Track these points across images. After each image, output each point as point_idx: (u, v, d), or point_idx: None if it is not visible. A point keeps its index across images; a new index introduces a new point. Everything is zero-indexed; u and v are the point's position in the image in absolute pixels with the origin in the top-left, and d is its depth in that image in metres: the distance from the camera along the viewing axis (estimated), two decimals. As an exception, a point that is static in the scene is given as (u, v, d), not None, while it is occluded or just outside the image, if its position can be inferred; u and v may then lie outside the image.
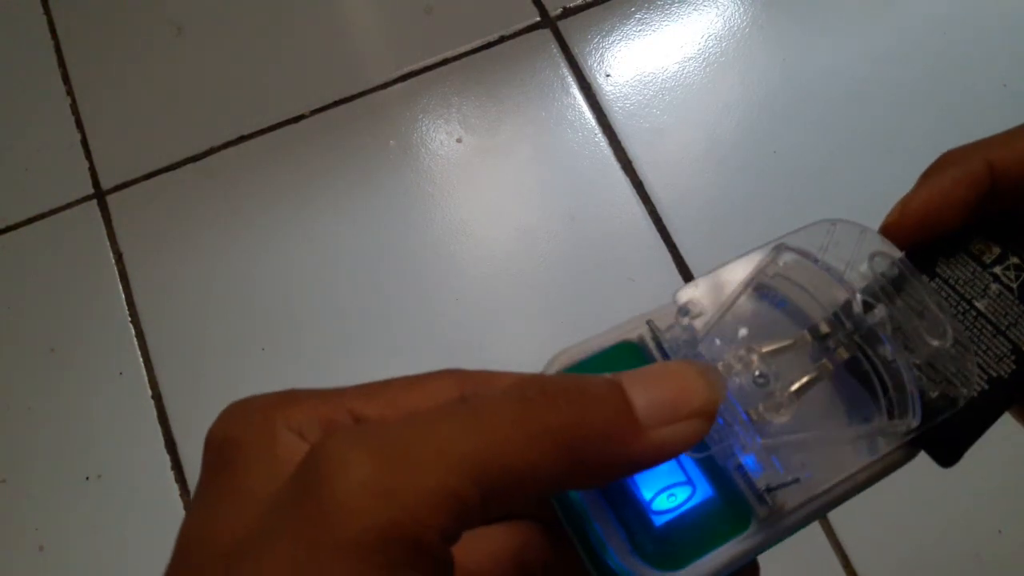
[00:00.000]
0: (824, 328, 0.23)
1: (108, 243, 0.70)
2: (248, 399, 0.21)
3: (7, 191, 0.72)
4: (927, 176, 0.25)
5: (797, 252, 0.23)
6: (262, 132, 0.73)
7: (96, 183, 0.72)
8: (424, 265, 0.68)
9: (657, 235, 0.67)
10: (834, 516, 0.59)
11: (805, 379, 0.22)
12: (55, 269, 0.70)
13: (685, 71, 0.73)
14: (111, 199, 0.72)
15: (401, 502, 0.16)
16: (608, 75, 0.73)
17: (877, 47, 0.73)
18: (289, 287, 0.68)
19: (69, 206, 0.72)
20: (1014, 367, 0.23)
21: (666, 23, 0.75)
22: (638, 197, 0.69)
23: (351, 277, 0.68)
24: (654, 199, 0.69)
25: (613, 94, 0.72)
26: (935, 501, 0.60)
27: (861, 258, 0.24)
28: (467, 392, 0.21)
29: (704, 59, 0.73)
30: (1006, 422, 0.23)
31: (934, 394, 0.22)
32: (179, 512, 0.61)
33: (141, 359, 0.66)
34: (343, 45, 0.77)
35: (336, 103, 0.74)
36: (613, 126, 0.71)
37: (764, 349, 0.22)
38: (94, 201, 0.72)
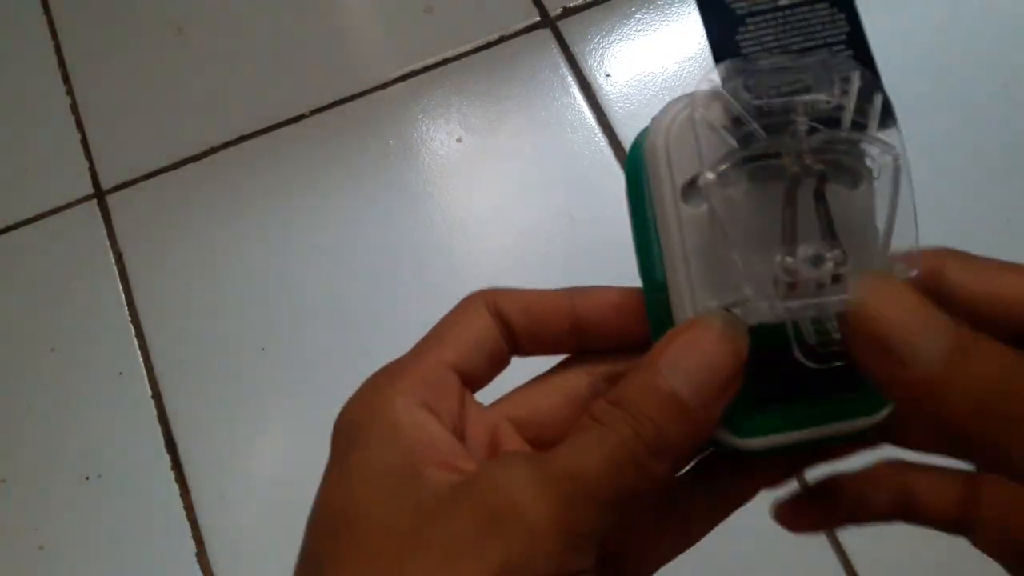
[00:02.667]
0: (775, 148, 0.22)
1: (108, 243, 0.70)
2: (363, 385, 0.24)
3: (7, 191, 0.72)
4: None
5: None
6: (262, 132, 0.73)
7: (96, 183, 0.72)
8: (424, 265, 0.68)
9: (657, 235, 0.67)
10: (834, 516, 0.59)
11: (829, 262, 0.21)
12: (55, 269, 0.70)
13: (685, 71, 0.73)
14: (111, 199, 0.72)
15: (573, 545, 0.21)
16: (608, 75, 0.73)
17: (876, 47, 0.73)
18: (289, 287, 0.68)
19: (69, 206, 0.72)
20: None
21: (666, 23, 0.75)
22: (638, 197, 0.69)
23: (351, 277, 0.68)
24: (654, 199, 0.69)
25: (613, 94, 0.72)
26: (935, 501, 0.60)
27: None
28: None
29: (704, 59, 0.73)
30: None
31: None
32: (179, 512, 0.62)
33: (141, 359, 0.66)
34: (343, 45, 0.77)
35: (336, 103, 0.74)
36: (613, 126, 0.71)
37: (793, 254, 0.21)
38: (94, 201, 0.72)
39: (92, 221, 0.71)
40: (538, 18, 0.75)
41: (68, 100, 0.75)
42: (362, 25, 0.79)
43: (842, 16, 0.23)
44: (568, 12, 0.75)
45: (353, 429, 0.23)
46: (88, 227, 0.71)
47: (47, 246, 0.70)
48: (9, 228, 0.71)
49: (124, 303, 0.68)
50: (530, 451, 0.25)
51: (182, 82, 0.75)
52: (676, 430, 0.21)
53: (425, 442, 0.22)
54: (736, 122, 0.22)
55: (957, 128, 0.69)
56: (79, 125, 0.74)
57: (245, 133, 0.73)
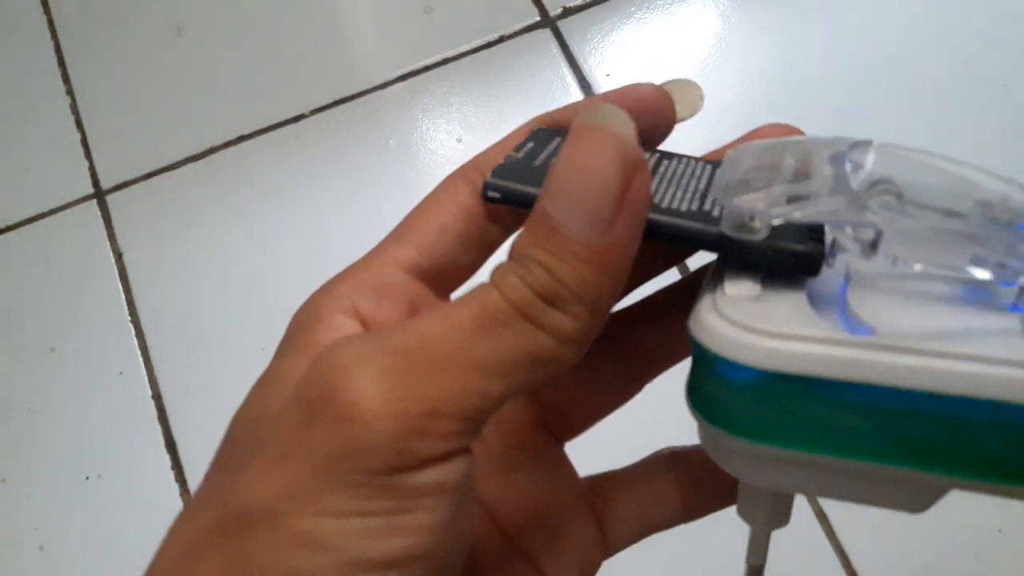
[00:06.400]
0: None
1: (108, 243, 0.70)
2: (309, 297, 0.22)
3: (7, 191, 0.72)
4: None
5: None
6: (262, 132, 0.73)
7: (96, 183, 0.72)
8: (424, 265, 0.68)
9: (657, 235, 0.67)
10: (834, 516, 0.59)
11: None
12: (55, 269, 0.70)
13: (685, 71, 0.73)
14: (111, 199, 0.72)
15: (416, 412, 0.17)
16: (608, 75, 0.73)
17: (877, 48, 0.73)
18: (289, 287, 0.68)
19: (69, 206, 0.72)
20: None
21: (666, 23, 0.75)
22: (638, 197, 0.69)
23: (351, 277, 0.68)
24: (654, 199, 0.69)
25: (613, 94, 0.72)
26: (935, 501, 0.60)
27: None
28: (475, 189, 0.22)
29: (704, 59, 0.73)
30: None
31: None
32: (179, 512, 0.62)
33: (141, 359, 0.66)
34: (343, 45, 0.77)
35: (336, 103, 0.74)
36: (613, 126, 0.71)
37: None
38: (94, 201, 0.72)
39: (92, 221, 0.71)
40: (538, 18, 0.75)
41: (68, 100, 0.75)
42: (362, 25, 0.79)
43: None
44: (568, 12, 0.75)
45: (282, 343, 0.21)
46: (88, 227, 0.71)
47: (47, 246, 0.70)
48: (9, 228, 0.71)
49: (124, 303, 0.68)
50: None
51: (182, 81, 0.75)
52: (575, 270, 0.17)
53: None
54: None
55: (957, 128, 0.69)
56: (79, 125, 0.74)
57: (245, 133, 0.73)
